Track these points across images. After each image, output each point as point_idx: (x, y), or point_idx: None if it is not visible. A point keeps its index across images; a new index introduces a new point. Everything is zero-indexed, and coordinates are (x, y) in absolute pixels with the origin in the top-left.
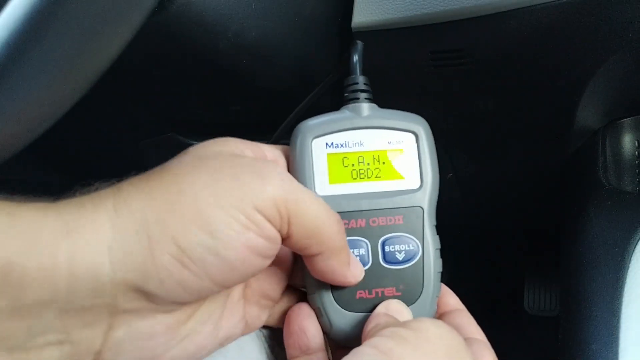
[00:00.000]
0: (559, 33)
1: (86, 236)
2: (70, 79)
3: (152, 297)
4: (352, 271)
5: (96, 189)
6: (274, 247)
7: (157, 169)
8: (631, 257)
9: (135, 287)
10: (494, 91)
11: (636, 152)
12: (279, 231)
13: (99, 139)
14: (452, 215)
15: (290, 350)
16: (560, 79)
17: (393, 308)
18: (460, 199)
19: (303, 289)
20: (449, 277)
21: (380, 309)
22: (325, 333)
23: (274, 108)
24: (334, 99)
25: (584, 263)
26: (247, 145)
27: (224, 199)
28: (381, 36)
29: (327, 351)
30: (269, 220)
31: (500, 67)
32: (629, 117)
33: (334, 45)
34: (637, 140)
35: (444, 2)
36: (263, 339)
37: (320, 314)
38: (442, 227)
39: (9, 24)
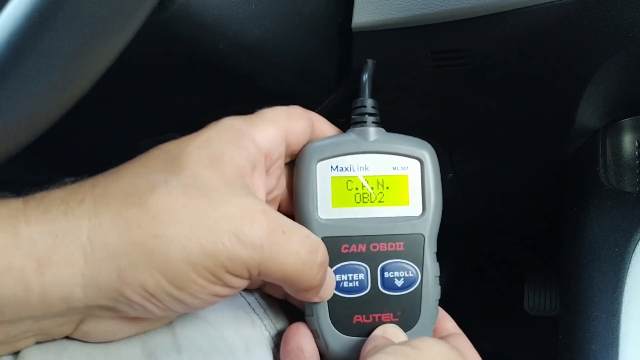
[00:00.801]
0: (559, 33)
1: (60, 271)
2: (70, 79)
3: (122, 313)
4: (321, 295)
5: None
6: (239, 290)
7: (141, 189)
8: (631, 257)
9: (107, 307)
10: (494, 91)
11: (636, 152)
12: (247, 280)
13: (99, 139)
14: (452, 215)
15: None
16: (560, 79)
17: (390, 332)
18: (461, 199)
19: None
20: (449, 277)
21: (378, 332)
22: (322, 354)
23: None
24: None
25: (584, 263)
26: (241, 146)
27: (196, 256)
28: (381, 36)
29: None
30: (238, 277)
31: (500, 67)
32: (629, 117)
33: (334, 46)
34: (637, 140)
35: (444, 2)
36: (270, 340)
37: (317, 336)
38: (442, 227)
39: (9, 24)
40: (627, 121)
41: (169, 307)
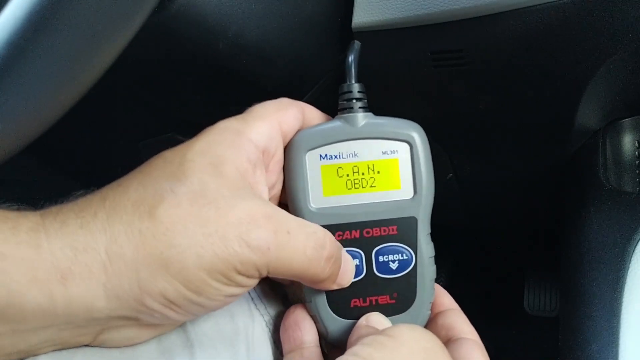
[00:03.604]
0: (559, 33)
1: (83, 283)
2: (70, 79)
3: (142, 321)
4: (338, 282)
5: (80, 195)
6: (250, 288)
7: (149, 200)
8: (631, 257)
9: (128, 317)
10: (493, 91)
11: (636, 152)
12: (257, 279)
13: (99, 139)
14: (452, 215)
15: (285, 345)
16: (560, 79)
17: (373, 320)
18: (460, 199)
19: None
20: (449, 277)
21: (361, 321)
22: (323, 338)
23: None
24: (333, 98)
25: (584, 263)
26: (240, 147)
27: (210, 262)
28: (381, 36)
29: (321, 347)
30: (249, 277)
31: (500, 67)
32: (629, 117)
33: (334, 46)
34: (637, 140)
35: (444, 2)
36: (269, 333)
37: (316, 321)
38: (443, 227)
39: (10, 23)
40: (627, 121)
41: (188, 311)
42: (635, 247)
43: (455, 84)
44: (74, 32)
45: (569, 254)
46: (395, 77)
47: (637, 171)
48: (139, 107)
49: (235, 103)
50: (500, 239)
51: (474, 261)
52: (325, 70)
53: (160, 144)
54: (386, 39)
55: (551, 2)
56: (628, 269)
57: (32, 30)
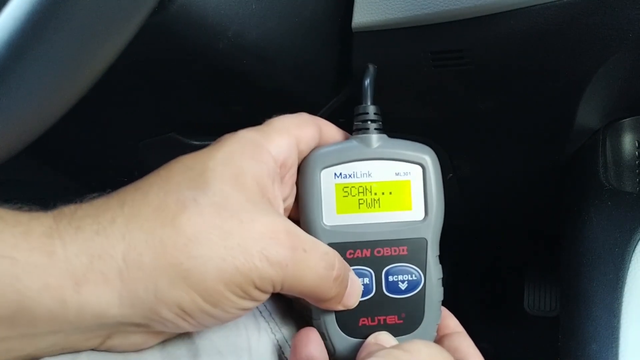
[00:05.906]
0: (559, 33)
1: (97, 289)
2: (70, 79)
3: (152, 329)
4: (344, 303)
5: (95, 197)
6: (262, 302)
7: (172, 208)
8: (631, 257)
9: (138, 324)
10: (494, 91)
11: (636, 153)
12: (270, 293)
13: (99, 139)
14: (452, 215)
15: None
16: (560, 79)
17: (382, 339)
18: (461, 199)
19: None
20: (449, 277)
21: (370, 339)
22: (330, 355)
23: (274, 108)
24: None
25: (584, 263)
26: (260, 160)
27: (230, 275)
28: (381, 36)
29: None
30: (264, 292)
31: (500, 67)
32: (629, 117)
33: (334, 46)
34: (637, 140)
35: (444, 2)
36: (276, 342)
37: (324, 339)
38: (443, 227)
39: (9, 24)
40: (627, 121)
41: (201, 322)
42: (635, 247)
43: (455, 84)
44: (73, 32)
45: (569, 254)
46: (395, 77)
47: (637, 171)
48: (139, 107)
49: (236, 103)
50: (500, 239)
51: (474, 261)
52: (326, 71)
53: (160, 144)
54: (386, 39)
55: (551, 2)
56: (628, 269)
57: (31, 30)
